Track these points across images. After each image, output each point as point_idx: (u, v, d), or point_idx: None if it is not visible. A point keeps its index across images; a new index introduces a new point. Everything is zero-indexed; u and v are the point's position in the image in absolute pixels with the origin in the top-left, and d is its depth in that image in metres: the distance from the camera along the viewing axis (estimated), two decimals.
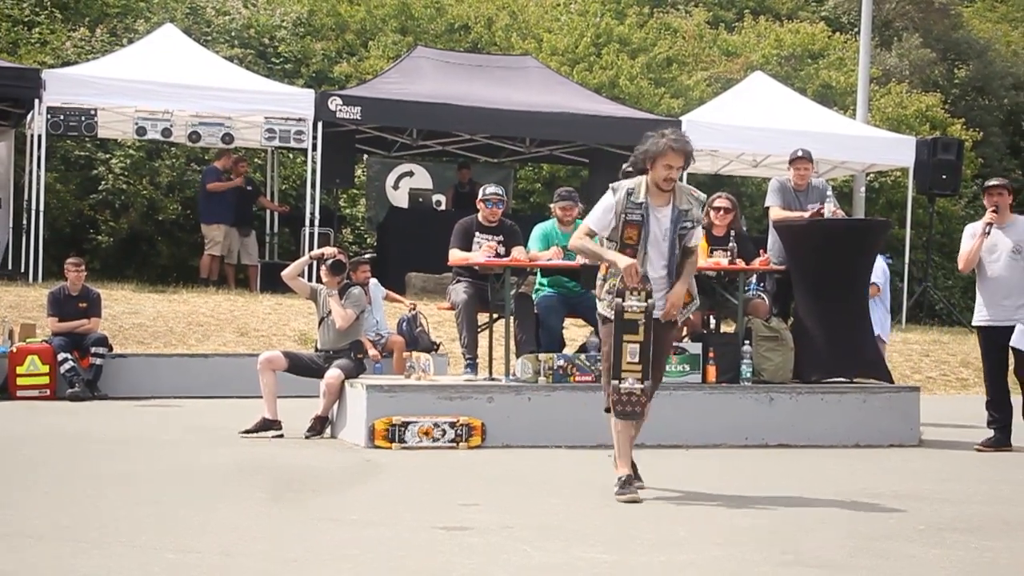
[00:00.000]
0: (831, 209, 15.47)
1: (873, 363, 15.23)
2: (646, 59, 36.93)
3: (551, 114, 24.82)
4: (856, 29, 35.28)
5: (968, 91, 40.89)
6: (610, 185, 9.99)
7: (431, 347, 17.49)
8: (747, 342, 14.57)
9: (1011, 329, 14.07)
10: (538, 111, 24.77)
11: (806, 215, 15.32)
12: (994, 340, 14.20)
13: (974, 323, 14.79)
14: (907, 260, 30.68)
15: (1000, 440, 14.19)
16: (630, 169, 10.47)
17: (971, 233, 14.53)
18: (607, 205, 10.02)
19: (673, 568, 7.41)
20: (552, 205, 15.31)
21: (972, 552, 8.27)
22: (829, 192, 16.08)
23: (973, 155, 36.00)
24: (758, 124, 26.59)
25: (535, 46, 35.26)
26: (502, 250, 14.60)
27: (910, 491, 11.03)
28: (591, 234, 10.34)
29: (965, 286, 36.51)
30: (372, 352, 15.86)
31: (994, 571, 7.73)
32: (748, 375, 14.46)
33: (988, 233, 14.26)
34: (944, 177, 28.82)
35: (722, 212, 15.18)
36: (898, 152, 29.11)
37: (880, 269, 16.42)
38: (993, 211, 14.29)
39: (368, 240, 29.69)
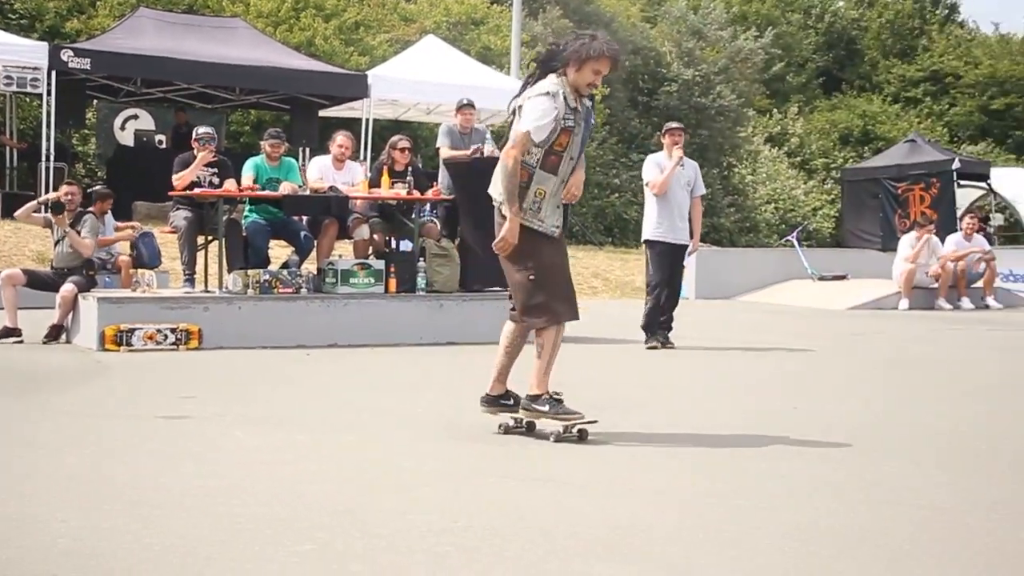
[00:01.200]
0: (489, 149, 15.62)
1: None
2: (338, 23, 36.77)
3: (257, 67, 24.68)
4: (510, 2, 35.41)
5: None
6: (547, 90, 7.30)
7: (156, 263, 17.05)
8: (421, 259, 14.59)
9: (683, 246, 14.30)
10: (246, 64, 24.63)
11: (469, 153, 15.39)
12: (668, 255, 14.23)
13: (651, 238, 14.40)
14: None
15: (666, 339, 14.32)
16: (539, 70, 7.59)
17: (655, 163, 14.49)
18: (552, 115, 7.26)
19: (348, 446, 7.34)
20: (262, 143, 15.14)
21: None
22: (488, 135, 16.29)
23: (602, 107, 36.41)
24: (431, 79, 26.67)
25: (243, 9, 34.69)
26: (219, 179, 14.56)
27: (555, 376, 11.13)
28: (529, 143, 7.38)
29: (595, 212, 37.21)
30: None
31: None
32: (423, 286, 14.49)
33: (683, 165, 14.35)
34: None
35: (401, 151, 15.10)
36: None
37: None
38: (679, 148, 14.37)
39: (99, 174, 28.92)
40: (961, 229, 25.13)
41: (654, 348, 14.22)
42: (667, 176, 14.10)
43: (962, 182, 30.28)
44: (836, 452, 7.48)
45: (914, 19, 58.48)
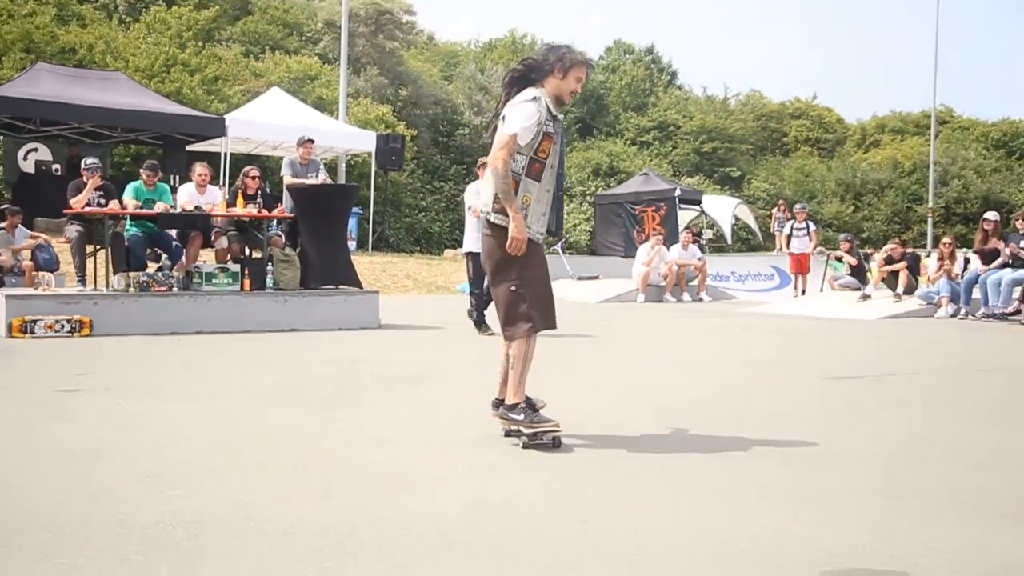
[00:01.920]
0: (323, 177, 15.61)
1: (348, 276, 15.33)
2: (201, 76, 36.38)
3: (135, 111, 24.27)
4: (338, 62, 35.25)
5: (408, 104, 41.38)
6: (532, 95, 6.11)
7: (54, 267, 16.63)
8: (269, 264, 14.44)
9: None
10: (126, 109, 24.19)
11: (307, 181, 15.31)
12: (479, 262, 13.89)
13: (471, 250, 13.76)
14: (372, 210, 31.52)
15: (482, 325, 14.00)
16: (517, 77, 6.33)
17: (475, 190, 13.80)
18: (536, 119, 6.11)
19: (212, 411, 7.21)
20: (141, 171, 15.10)
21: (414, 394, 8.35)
22: (321, 166, 16.24)
23: (411, 144, 36.76)
24: (276, 122, 26.77)
25: (124, 64, 34.13)
26: (105, 199, 14.44)
27: (371, 356, 11.09)
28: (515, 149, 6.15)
29: (407, 227, 37.26)
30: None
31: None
32: (271, 285, 14.35)
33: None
34: (393, 158, 30.39)
35: (252, 178, 15.08)
36: (365, 142, 29.80)
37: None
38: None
39: (6, 196, 28.05)
40: (680, 241, 25.45)
41: (485, 331, 13.87)
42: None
43: (682, 205, 31.16)
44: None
45: (646, 82, 59.88)
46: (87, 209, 14.18)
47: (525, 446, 5.98)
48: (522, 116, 5.98)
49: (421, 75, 43.50)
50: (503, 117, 6.08)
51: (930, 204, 48.17)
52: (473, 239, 13.70)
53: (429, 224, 38.33)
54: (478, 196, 13.55)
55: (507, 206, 6.02)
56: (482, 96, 44.03)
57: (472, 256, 13.74)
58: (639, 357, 11.89)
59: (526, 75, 6.09)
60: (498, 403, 6.33)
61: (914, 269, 20.61)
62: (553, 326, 6.24)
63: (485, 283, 13.49)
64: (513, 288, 6.01)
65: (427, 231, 38.20)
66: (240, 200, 14.87)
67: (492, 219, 6.05)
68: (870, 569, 3.87)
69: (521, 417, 6.02)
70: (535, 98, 6.04)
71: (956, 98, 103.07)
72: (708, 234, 35.26)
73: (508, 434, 6.25)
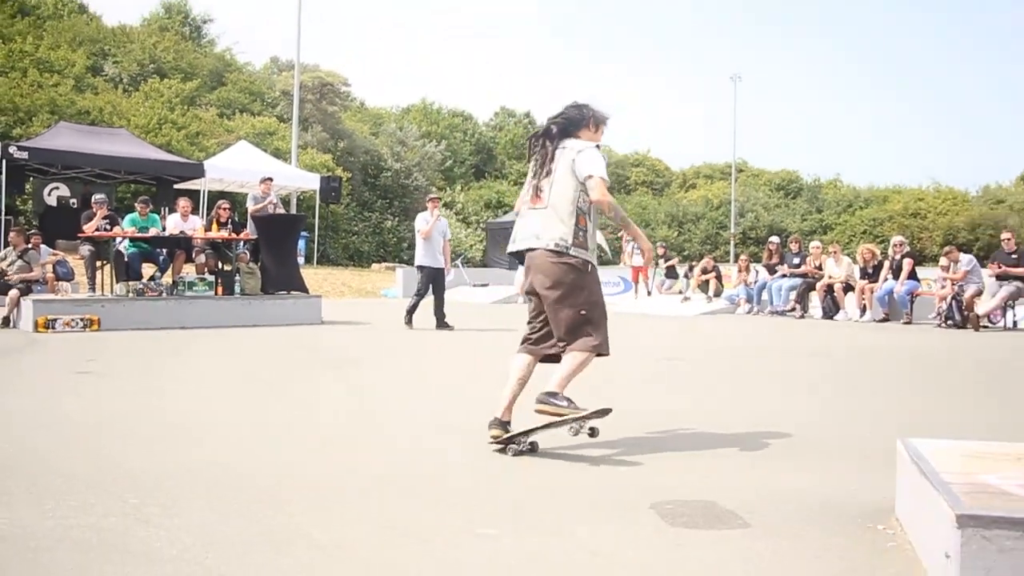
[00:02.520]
0: (280, 208, 15.45)
1: (298, 284, 15.22)
2: (186, 132, 35.87)
3: (134, 159, 23.98)
4: (291, 121, 34.95)
5: (344, 153, 40.75)
6: (592, 145, 5.14)
7: (71, 278, 16.23)
8: (237, 275, 14.24)
9: (441, 269, 13.39)
10: (127, 157, 23.85)
11: (270, 209, 15.19)
12: (430, 274, 13.33)
13: (421, 264, 13.36)
14: (316, 234, 31.42)
15: (444, 324, 13.51)
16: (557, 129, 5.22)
17: (424, 218, 13.40)
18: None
19: (191, 392, 7.15)
20: (136, 204, 14.93)
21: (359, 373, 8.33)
22: (277, 199, 16.03)
23: (347, 184, 36.49)
24: (243, 167, 26.42)
25: (126, 123, 33.41)
26: (110, 226, 14.07)
27: (315, 344, 11.02)
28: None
29: (343, 247, 36.98)
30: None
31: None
32: (239, 291, 14.13)
33: (439, 220, 13.43)
34: (333, 194, 29.98)
35: (224, 209, 14.94)
36: (312, 182, 29.49)
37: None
38: (437, 208, 13.53)
39: (34, 223, 27.23)
40: None
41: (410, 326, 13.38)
42: (431, 226, 13.36)
43: None
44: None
45: (525, 138, 59.48)
46: (96, 233, 13.90)
47: (576, 432, 4.87)
48: (601, 162, 5.10)
49: (355, 132, 43.02)
50: (572, 161, 5.06)
51: (732, 230, 49.33)
52: (425, 256, 13.30)
53: (360, 244, 38.02)
54: (426, 223, 13.36)
55: (630, 228, 5.24)
56: (400, 148, 43.69)
57: (425, 269, 13.36)
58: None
59: (566, 128, 5.26)
60: (499, 422, 5.03)
61: (720, 278, 21.09)
62: (609, 352, 5.07)
63: (422, 290, 13.33)
64: (583, 312, 5.01)
65: (359, 250, 37.81)
66: (215, 226, 14.79)
67: (572, 252, 4.96)
68: (688, 500, 3.91)
69: (565, 404, 4.86)
70: (597, 146, 5.21)
71: (750, 152, 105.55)
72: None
73: (518, 454, 4.91)
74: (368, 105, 52.72)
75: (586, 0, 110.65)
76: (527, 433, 4.90)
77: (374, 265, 34.63)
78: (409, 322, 13.58)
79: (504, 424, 4.99)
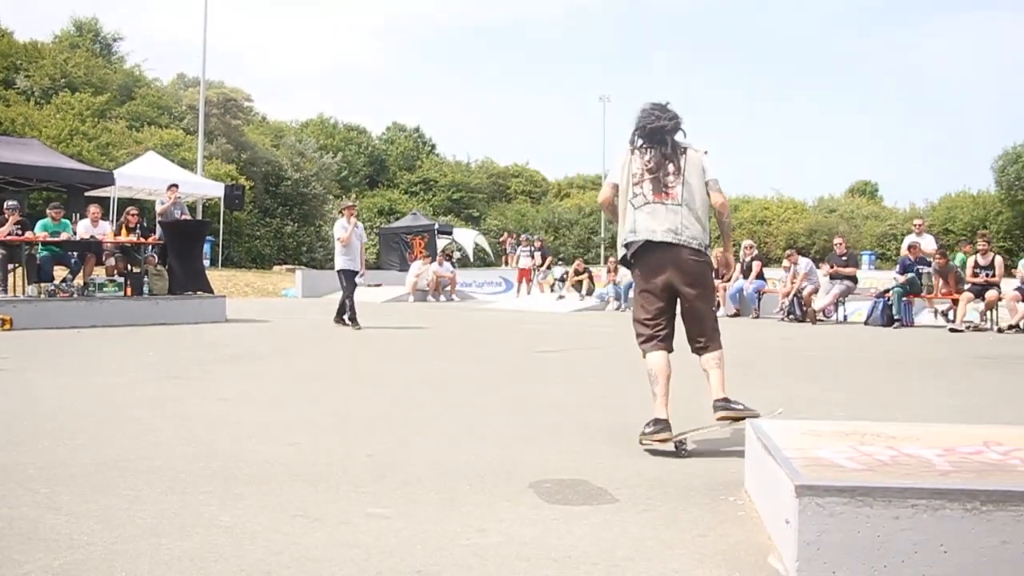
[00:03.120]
0: (187, 215, 15.01)
1: (203, 285, 14.85)
2: (97, 142, 34.52)
3: (46, 167, 22.73)
4: (197, 134, 33.96)
5: (247, 164, 39.33)
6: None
7: None
8: (146, 276, 13.85)
9: (356, 271, 12.82)
10: (39, 165, 22.64)
11: (176, 214, 14.79)
12: (350, 276, 12.81)
13: (341, 268, 12.80)
14: (221, 238, 30.73)
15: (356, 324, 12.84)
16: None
17: (342, 226, 12.75)
18: None
19: (103, 384, 6.88)
20: (48, 211, 14.33)
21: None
22: (185, 206, 15.61)
23: (250, 192, 35.23)
24: (151, 175, 25.63)
25: (38, 133, 32.01)
26: (21, 231, 13.55)
27: (219, 341, 10.72)
28: None
29: (246, 250, 36.09)
30: None
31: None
32: (147, 292, 13.74)
33: (357, 226, 12.73)
34: (236, 201, 28.62)
35: (133, 215, 14.58)
36: (216, 190, 28.48)
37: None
38: (353, 216, 12.76)
39: None
40: (437, 260, 25.00)
41: (342, 324, 12.97)
42: (349, 233, 12.68)
43: (440, 235, 30.85)
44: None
45: (415, 151, 58.81)
46: (8, 238, 13.32)
47: (680, 447, 4.56)
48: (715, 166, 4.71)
49: (257, 144, 41.42)
50: (703, 163, 4.71)
51: (602, 235, 49.89)
52: (346, 260, 12.78)
53: (262, 248, 37.00)
54: (344, 230, 12.66)
55: (730, 238, 5.04)
56: (299, 159, 42.39)
57: (346, 272, 12.82)
58: (422, 340, 11.63)
59: (679, 128, 4.72)
60: (663, 423, 4.52)
61: (592, 278, 21.36)
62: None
63: (347, 292, 12.85)
64: (715, 311, 4.78)
65: (261, 253, 36.79)
66: (124, 231, 14.31)
67: (707, 252, 4.68)
68: (563, 479, 3.92)
69: (741, 406, 4.55)
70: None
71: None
72: (457, 255, 33.96)
73: (679, 448, 4.55)
74: (270, 119, 51.08)
75: (473, 26, 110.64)
76: (694, 431, 4.60)
77: (275, 267, 34.01)
78: (340, 321, 13.13)
79: (668, 424, 4.50)
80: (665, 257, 4.59)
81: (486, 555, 2.90)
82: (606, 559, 2.88)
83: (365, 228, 16.88)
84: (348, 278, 12.95)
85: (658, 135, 4.65)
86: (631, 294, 18.95)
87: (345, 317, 12.90)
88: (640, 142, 4.70)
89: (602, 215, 48.10)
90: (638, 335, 4.70)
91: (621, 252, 4.75)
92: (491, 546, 3.00)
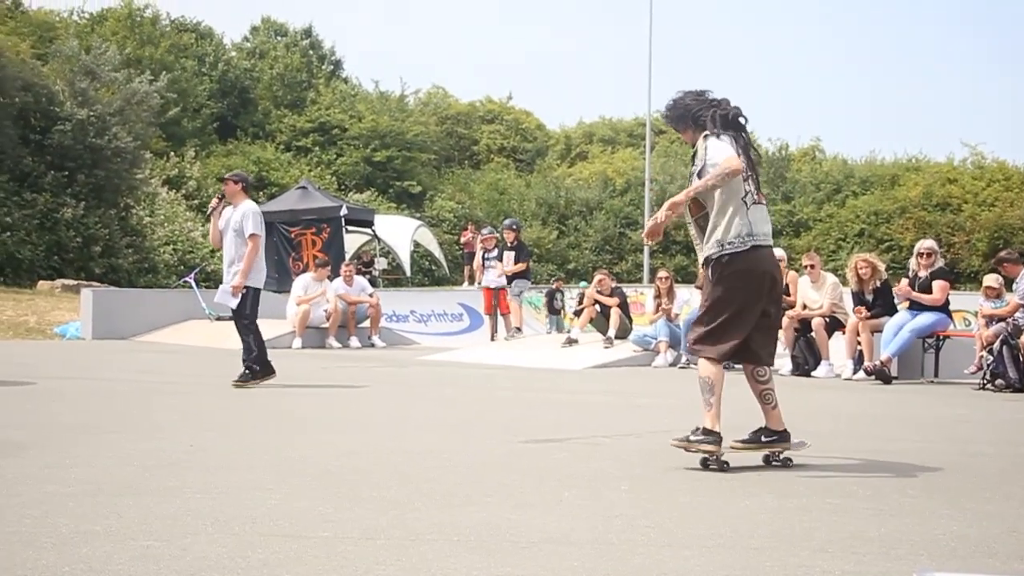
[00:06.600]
0: None
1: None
2: None
3: None
4: None
5: None
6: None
7: None
8: None
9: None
10: None
11: None
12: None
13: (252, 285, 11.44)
14: None
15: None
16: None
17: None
18: None
19: None
20: None
21: None
22: None
23: None
24: None
25: None
26: None
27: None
28: None
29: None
30: None
31: None
32: None
33: (219, 213, 11.68)
34: None
35: None
36: None
37: None
38: (219, 198, 11.76)
39: None
40: (341, 274, 21.06)
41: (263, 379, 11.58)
42: (212, 226, 12.81)
43: (350, 228, 27.23)
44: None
45: (302, 72, 51.68)
46: None
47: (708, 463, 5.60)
48: None
49: (5, 50, 33.90)
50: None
51: (645, 229, 37.80)
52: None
53: (16, 247, 30.74)
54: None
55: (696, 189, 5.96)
56: (89, 83, 34.49)
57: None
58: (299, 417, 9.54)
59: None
60: (716, 435, 5.54)
61: (627, 308, 18.05)
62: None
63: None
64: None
65: (13, 256, 30.70)
66: None
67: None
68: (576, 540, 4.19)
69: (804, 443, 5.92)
70: None
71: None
72: (383, 263, 30.09)
73: (722, 467, 5.58)
74: (28, 6, 43.82)
75: None
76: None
77: (41, 283, 30.03)
78: (259, 376, 11.74)
79: (720, 437, 5.63)
80: (771, 263, 5.70)
81: None
82: None
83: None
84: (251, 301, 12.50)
85: (742, 126, 5.60)
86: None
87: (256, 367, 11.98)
88: (727, 131, 5.53)
89: (646, 191, 35.67)
90: (708, 338, 5.53)
91: (713, 250, 5.50)
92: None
